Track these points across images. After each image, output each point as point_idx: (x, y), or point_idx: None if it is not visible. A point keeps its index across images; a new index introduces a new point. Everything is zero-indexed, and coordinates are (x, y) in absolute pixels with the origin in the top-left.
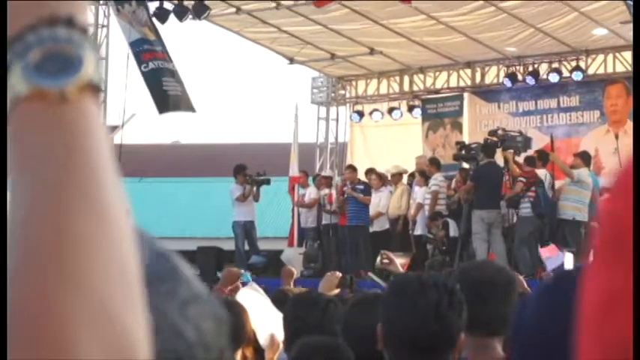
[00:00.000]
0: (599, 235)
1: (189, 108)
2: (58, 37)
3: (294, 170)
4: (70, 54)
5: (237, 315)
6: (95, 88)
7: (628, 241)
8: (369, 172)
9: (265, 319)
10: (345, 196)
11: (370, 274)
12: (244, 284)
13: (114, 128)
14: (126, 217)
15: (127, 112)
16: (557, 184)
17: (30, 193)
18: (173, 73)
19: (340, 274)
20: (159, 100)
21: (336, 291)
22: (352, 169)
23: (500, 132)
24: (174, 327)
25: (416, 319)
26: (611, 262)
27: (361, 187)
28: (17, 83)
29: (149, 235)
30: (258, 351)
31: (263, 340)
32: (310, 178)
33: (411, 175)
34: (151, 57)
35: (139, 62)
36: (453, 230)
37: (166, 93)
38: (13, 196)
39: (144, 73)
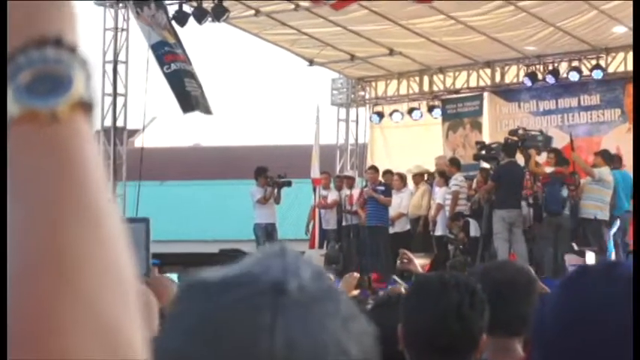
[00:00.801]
0: None
1: (207, 110)
2: (47, 58)
3: (315, 172)
4: (60, 74)
5: None
6: (86, 106)
7: None
8: (387, 172)
9: None
10: (365, 196)
11: (395, 277)
12: None
13: (135, 132)
14: (120, 230)
15: (148, 115)
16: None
17: (26, 213)
18: (193, 75)
19: (358, 275)
20: (182, 99)
21: (356, 292)
22: (374, 169)
23: (520, 131)
24: (339, 344)
25: (437, 320)
26: None
27: (382, 188)
28: (9, 105)
29: (304, 256)
30: None
31: None
32: (332, 180)
33: (431, 176)
34: (172, 59)
35: (162, 64)
36: (474, 230)
37: (190, 93)
38: (10, 219)
39: (166, 74)
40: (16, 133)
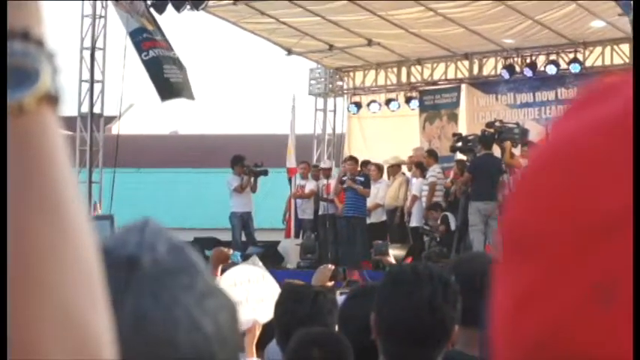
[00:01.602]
0: (504, 242)
1: (190, 96)
2: (14, 51)
3: (291, 162)
4: (27, 67)
5: None
6: (53, 99)
7: (533, 244)
8: (367, 163)
9: (254, 301)
10: (344, 186)
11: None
12: (234, 265)
13: (112, 119)
14: (87, 223)
15: (125, 102)
16: None
17: None
18: (174, 61)
19: (333, 267)
20: (161, 87)
21: (330, 283)
22: (354, 160)
23: (497, 124)
24: (192, 320)
25: (410, 311)
26: (517, 266)
27: (361, 178)
28: None
29: (165, 228)
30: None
31: (243, 326)
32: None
33: (408, 167)
34: (151, 45)
35: (140, 51)
36: (454, 224)
37: (168, 80)
38: None
39: (144, 62)
40: None
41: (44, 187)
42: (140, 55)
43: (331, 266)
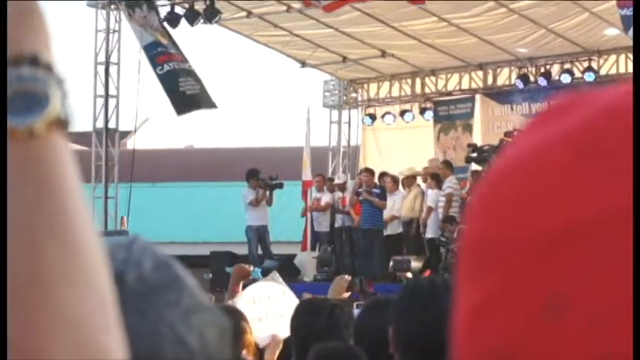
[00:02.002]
0: (464, 254)
1: (210, 105)
2: (23, 77)
3: (307, 174)
4: (37, 92)
5: (233, 322)
6: (63, 124)
7: (490, 256)
8: (383, 175)
9: (274, 316)
10: (361, 199)
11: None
12: (254, 281)
13: (127, 133)
14: (98, 245)
15: (140, 117)
16: None
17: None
18: (190, 73)
19: (350, 278)
20: (176, 101)
21: (347, 294)
22: (370, 172)
23: (516, 134)
24: (177, 336)
25: (428, 323)
26: (475, 278)
27: (377, 191)
28: None
29: (151, 244)
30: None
31: (262, 342)
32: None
33: (424, 178)
34: (165, 59)
35: (154, 65)
36: None
37: (184, 93)
38: None
39: (159, 76)
40: None
41: (55, 210)
42: (155, 69)
43: (348, 277)
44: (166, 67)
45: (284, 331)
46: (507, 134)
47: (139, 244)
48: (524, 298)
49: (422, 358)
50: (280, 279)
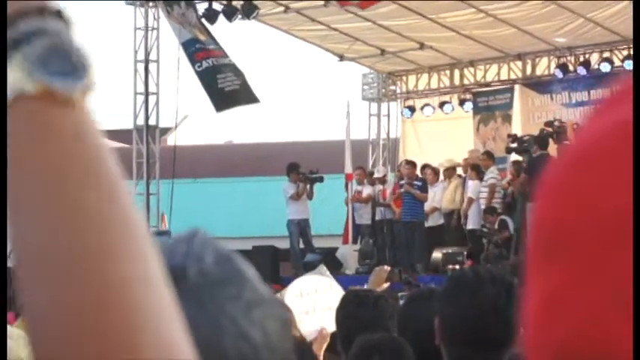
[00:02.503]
0: (533, 242)
1: (252, 99)
2: (54, 30)
3: (348, 167)
4: (75, 53)
5: None
6: (92, 92)
7: (562, 243)
8: (425, 167)
9: (321, 310)
10: (402, 191)
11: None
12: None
13: (167, 130)
14: (151, 240)
15: (180, 113)
16: None
17: (51, 215)
18: (230, 67)
19: (389, 268)
20: (215, 98)
21: (386, 285)
22: (411, 164)
23: (556, 123)
24: (239, 329)
25: (474, 314)
26: (547, 265)
27: (419, 183)
28: (19, 78)
29: (212, 237)
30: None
31: (310, 335)
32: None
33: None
34: (204, 55)
35: (193, 62)
36: (512, 227)
37: (223, 90)
38: (23, 226)
39: (198, 73)
40: (24, 110)
41: (111, 196)
42: (193, 66)
43: (387, 267)
44: (205, 64)
45: (331, 325)
46: (547, 124)
47: (199, 237)
48: (593, 288)
49: (468, 348)
50: (327, 272)
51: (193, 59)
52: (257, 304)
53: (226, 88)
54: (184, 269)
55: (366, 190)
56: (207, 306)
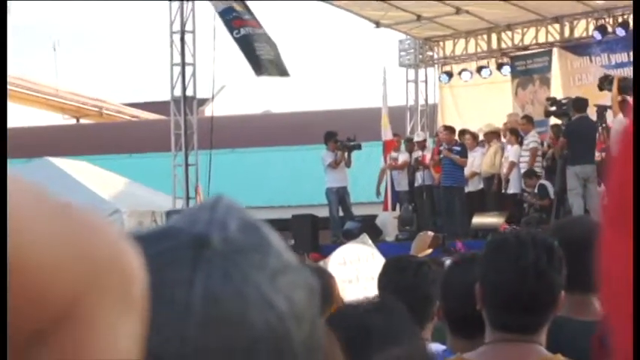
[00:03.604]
0: (612, 205)
1: (283, 72)
2: None
3: (387, 134)
4: None
5: (322, 282)
6: None
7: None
8: (463, 132)
9: (364, 279)
10: (441, 156)
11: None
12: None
13: (204, 101)
14: None
15: (217, 84)
16: None
17: None
18: (265, 39)
19: (432, 234)
20: (254, 63)
21: (429, 251)
22: (450, 130)
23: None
24: (264, 298)
25: (515, 278)
26: (629, 228)
27: (458, 148)
28: None
29: (236, 204)
30: None
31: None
32: (403, 142)
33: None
34: (241, 24)
35: (231, 29)
36: (552, 192)
37: (260, 57)
38: None
39: (237, 39)
40: None
41: None
42: (232, 33)
43: (430, 233)
44: (242, 32)
45: (374, 294)
46: (603, 78)
47: (223, 204)
48: None
49: (509, 312)
50: (370, 241)
51: (231, 26)
52: (282, 272)
53: (262, 56)
54: (207, 237)
55: (402, 157)
56: (231, 274)
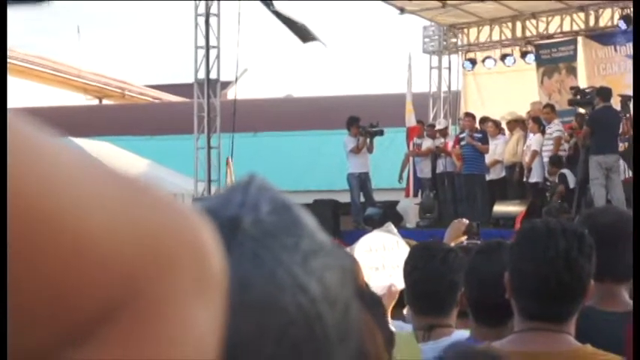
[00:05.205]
0: None
1: (320, 40)
2: None
3: (411, 121)
4: None
5: None
6: None
7: None
8: (484, 120)
9: (390, 267)
10: (463, 143)
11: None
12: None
13: (227, 84)
14: None
15: (240, 67)
16: None
17: None
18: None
19: (467, 221)
20: (298, 32)
21: (463, 238)
22: (471, 116)
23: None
24: (296, 281)
25: (546, 267)
26: None
27: (479, 135)
28: None
29: (269, 184)
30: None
31: (379, 291)
32: (425, 128)
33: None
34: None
35: (267, 5)
36: (572, 182)
37: (302, 25)
38: None
39: (275, 12)
40: None
41: None
42: (268, 8)
43: (465, 220)
44: (277, 5)
45: (400, 283)
46: None
47: (256, 184)
48: None
49: (538, 302)
50: (395, 230)
51: (267, 2)
52: (315, 254)
53: (303, 25)
54: (239, 219)
55: (426, 144)
56: (262, 257)
